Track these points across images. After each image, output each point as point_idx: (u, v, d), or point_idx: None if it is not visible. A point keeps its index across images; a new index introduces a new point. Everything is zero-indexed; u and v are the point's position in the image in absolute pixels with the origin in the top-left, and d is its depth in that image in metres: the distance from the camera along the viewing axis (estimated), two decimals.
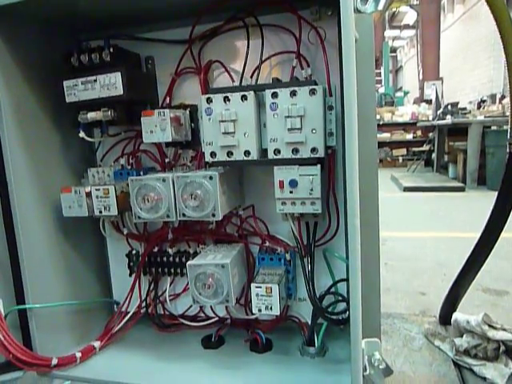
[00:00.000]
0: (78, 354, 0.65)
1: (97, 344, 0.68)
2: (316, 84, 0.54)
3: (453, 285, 1.50)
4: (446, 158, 5.89)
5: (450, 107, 5.74)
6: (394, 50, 14.62)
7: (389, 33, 12.97)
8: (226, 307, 0.71)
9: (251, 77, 0.63)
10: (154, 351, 0.69)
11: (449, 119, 5.27)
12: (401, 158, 8.00)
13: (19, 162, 0.63)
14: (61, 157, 0.72)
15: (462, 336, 1.33)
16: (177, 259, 0.71)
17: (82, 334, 0.72)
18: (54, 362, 0.63)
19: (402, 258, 2.66)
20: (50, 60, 0.67)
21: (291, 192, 0.55)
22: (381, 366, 0.49)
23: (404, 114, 8.38)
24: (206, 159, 0.58)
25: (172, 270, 0.71)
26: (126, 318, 0.73)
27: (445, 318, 1.49)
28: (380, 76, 11.84)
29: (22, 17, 0.62)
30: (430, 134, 6.57)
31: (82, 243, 0.76)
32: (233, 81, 0.65)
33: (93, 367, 0.66)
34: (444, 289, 1.62)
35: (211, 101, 0.56)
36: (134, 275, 0.74)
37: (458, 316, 1.41)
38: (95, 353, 0.68)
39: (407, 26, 12.34)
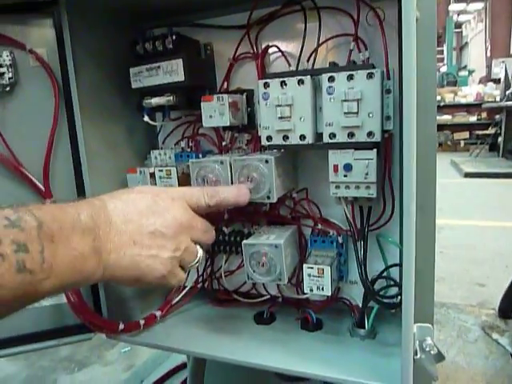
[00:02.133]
0: (142, 322, 0.71)
1: (158, 313, 0.74)
2: (374, 67, 0.53)
3: None
4: None
5: None
6: (458, 25, 13.61)
7: (454, 7, 12.07)
8: (278, 286, 0.74)
9: (307, 61, 0.63)
10: (209, 323, 0.73)
11: None
12: (462, 142, 7.54)
13: (91, 143, 0.69)
14: (127, 139, 0.77)
15: None
16: (232, 238, 0.74)
17: (145, 304, 0.78)
18: (121, 326, 0.69)
19: (459, 246, 2.55)
20: (118, 48, 0.71)
21: (345, 176, 0.55)
22: (432, 352, 0.49)
23: (468, 94, 7.84)
24: (262, 143, 0.60)
25: (227, 248, 0.74)
26: (184, 291, 0.78)
27: (505, 311, 1.43)
28: (442, 54, 11.12)
29: (94, 8, 0.67)
30: (497, 117, 6.11)
31: None
32: (289, 65, 0.66)
33: (154, 334, 0.72)
34: (505, 280, 1.54)
35: (268, 85, 0.58)
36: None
37: None
38: (156, 321, 0.74)
39: None
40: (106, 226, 0.43)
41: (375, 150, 0.54)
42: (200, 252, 0.52)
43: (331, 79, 0.54)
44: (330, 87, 0.54)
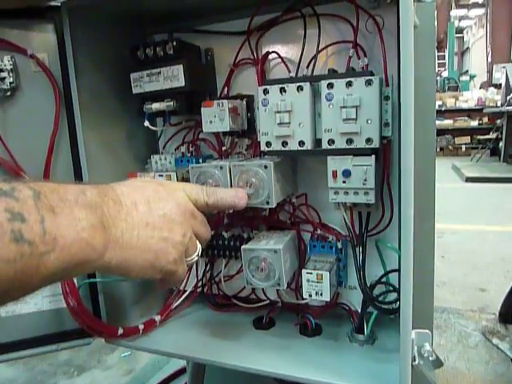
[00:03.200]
0: (141, 326, 0.71)
1: (157, 318, 0.74)
2: (372, 74, 0.54)
3: None
4: None
5: None
6: (460, 30, 13.64)
7: (455, 12, 12.11)
8: (278, 291, 0.74)
9: (307, 67, 0.64)
10: (208, 328, 0.73)
11: None
12: (464, 147, 7.54)
13: (92, 148, 0.69)
14: (127, 144, 0.78)
15: None
16: (231, 243, 0.74)
17: (145, 308, 0.78)
18: (120, 331, 0.69)
19: (461, 251, 2.55)
20: (119, 54, 0.72)
21: (344, 182, 0.56)
22: (431, 358, 0.49)
23: (469, 99, 7.84)
24: (262, 148, 0.60)
25: (227, 253, 0.75)
26: (184, 296, 0.78)
27: (505, 316, 1.43)
28: (444, 59, 11.13)
29: (96, 14, 0.67)
30: (498, 121, 6.11)
31: None
32: (289, 71, 0.67)
33: (153, 339, 0.72)
34: (506, 285, 1.54)
35: (267, 92, 0.58)
36: None
37: None
38: (155, 326, 0.74)
39: (476, 5, 11.44)
40: (114, 204, 0.40)
41: (374, 156, 0.54)
42: (199, 246, 0.51)
43: (330, 86, 0.54)
44: (328, 94, 0.54)
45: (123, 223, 0.40)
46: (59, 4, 0.64)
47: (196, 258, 0.50)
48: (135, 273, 0.43)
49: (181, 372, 1.44)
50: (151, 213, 0.44)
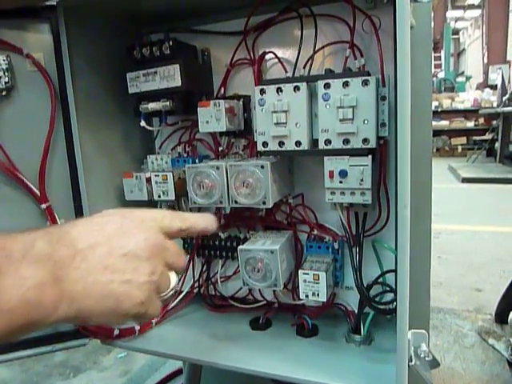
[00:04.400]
0: (137, 327, 0.71)
1: (153, 319, 0.74)
2: (369, 74, 0.54)
3: (511, 282, 1.43)
4: (510, 147, 5.49)
5: None
6: (456, 31, 13.70)
7: (451, 13, 12.16)
8: (274, 292, 0.74)
9: (304, 67, 0.64)
10: (205, 329, 0.73)
11: None
12: (460, 147, 7.56)
13: (87, 148, 0.69)
14: (123, 144, 0.78)
15: None
16: (228, 243, 0.74)
17: None
18: (116, 332, 0.69)
19: (457, 251, 2.56)
20: (116, 53, 0.71)
21: (341, 182, 0.56)
22: (427, 358, 0.49)
23: (465, 100, 7.87)
24: (258, 148, 0.60)
25: (223, 254, 0.74)
26: (180, 297, 0.78)
27: (501, 316, 1.43)
28: (440, 60, 11.17)
29: (92, 14, 0.67)
30: (494, 122, 6.14)
31: None
32: (286, 71, 0.67)
33: (149, 340, 0.71)
34: (502, 286, 1.54)
35: (264, 92, 0.58)
36: (188, 257, 0.79)
37: None
38: (152, 327, 0.74)
39: (472, 6, 11.49)
40: (67, 251, 0.36)
41: (370, 156, 0.54)
42: (173, 280, 0.46)
43: (327, 86, 0.54)
44: (325, 94, 0.54)
45: (77, 272, 0.37)
46: (55, 3, 0.64)
47: (171, 293, 0.46)
48: (95, 321, 0.40)
49: (177, 373, 1.43)
50: (111, 253, 0.39)
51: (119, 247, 0.40)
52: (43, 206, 0.70)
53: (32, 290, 0.33)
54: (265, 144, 0.59)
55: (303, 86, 0.56)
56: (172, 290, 0.46)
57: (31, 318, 0.33)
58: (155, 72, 0.68)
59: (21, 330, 0.33)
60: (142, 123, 0.72)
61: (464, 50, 14.00)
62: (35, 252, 0.34)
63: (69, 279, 0.36)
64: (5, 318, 0.31)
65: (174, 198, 0.67)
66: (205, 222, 0.51)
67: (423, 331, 0.49)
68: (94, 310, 0.38)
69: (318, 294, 0.61)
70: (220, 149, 0.74)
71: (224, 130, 0.64)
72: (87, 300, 0.37)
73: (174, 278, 0.46)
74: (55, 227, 0.40)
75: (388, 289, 0.65)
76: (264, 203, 0.60)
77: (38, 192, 0.70)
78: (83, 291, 0.37)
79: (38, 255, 0.34)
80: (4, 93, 0.67)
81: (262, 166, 0.59)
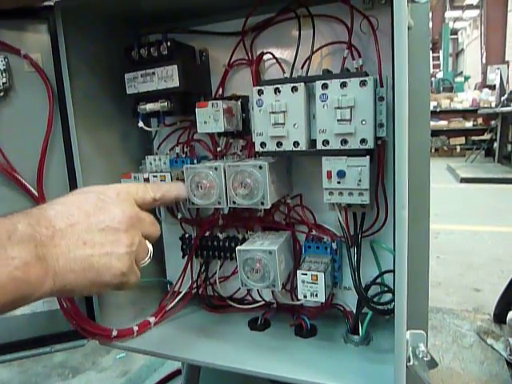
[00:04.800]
0: (135, 328, 0.71)
1: (152, 320, 0.74)
2: (367, 75, 0.54)
3: (510, 282, 1.43)
4: (509, 147, 5.51)
5: None
6: (454, 31, 13.71)
7: (449, 14, 12.18)
8: (273, 292, 0.74)
9: (302, 68, 0.64)
10: (203, 330, 0.73)
11: None
12: (458, 148, 7.58)
13: (85, 148, 0.69)
14: (121, 144, 0.78)
15: None
16: (226, 244, 0.74)
17: (139, 310, 0.78)
18: (114, 333, 0.69)
19: (456, 251, 2.56)
20: (113, 54, 0.71)
21: (339, 182, 0.56)
22: (425, 358, 0.49)
23: (464, 100, 7.88)
24: (256, 149, 0.60)
25: (222, 254, 0.74)
26: (179, 298, 0.78)
27: (500, 316, 1.43)
28: (438, 60, 11.18)
29: (90, 14, 0.67)
30: (493, 122, 6.15)
31: None
32: (283, 72, 0.67)
33: (148, 340, 0.71)
34: (500, 286, 1.55)
35: (262, 92, 0.58)
36: (186, 257, 0.79)
37: None
38: (150, 327, 0.74)
39: (470, 6, 11.51)
40: (47, 231, 0.39)
41: (368, 156, 0.54)
42: (150, 247, 0.49)
43: (324, 86, 0.54)
44: (323, 94, 0.54)
45: (57, 249, 0.39)
46: (52, 4, 0.64)
47: (148, 260, 0.49)
48: (79, 293, 0.42)
49: (176, 373, 1.43)
50: (90, 228, 0.42)
51: (97, 222, 0.42)
52: None
53: (19, 269, 0.35)
54: (263, 144, 0.59)
55: (301, 86, 0.56)
56: (149, 258, 0.49)
57: (20, 293, 0.36)
58: (153, 73, 0.68)
59: (12, 304, 0.36)
60: (140, 124, 0.72)
61: (462, 50, 14.03)
62: (18, 234, 0.37)
63: (51, 256, 0.38)
64: None
65: None
66: (176, 189, 0.54)
67: (421, 331, 0.50)
68: (77, 283, 0.41)
69: (316, 295, 0.61)
70: (218, 149, 0.74)
71: (222, 130, 0.64)
72: (70, 274, 0.40)
73: (150, 247, 0.49)
74: (35, 208, 0.42)
75: (386, 289, 0.65)
76: (262, 204, 0.60)
77: (35, 193, 0.70)
78: (65, 266, 0.39)
79: (21, 237, 0.37)
80: (1, 94, 0.67)
81: (260, 167, 0.59)
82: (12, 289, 0.35)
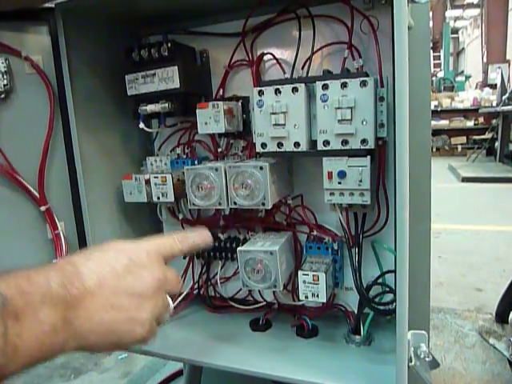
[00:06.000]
0: None
1: None
2: (367, 75, 0.54)
3: None
4: (510, 146, 5.49)
5: None
6: (455, 30, 13.69)
7: (450, 13, 12.16)
8: (274, 292, 0.74)
9: (302, 68, 0.64)
10: (205, 330, 0.73)
11: None
12: (460, 147, 7.56)
13: (86, 150, 0.69)
14: (122, 146, 0.78)
15: None
16: (227, 244, 0.74)
17: None
18: None
19: (458, 251, 2.55)
20: (114, 55, 0.71)
21: (340, 183, 0.56)
22: (427, 359, 0.49)
23: (465, 99, 7.86)
24: (257, 150, 0.60)
25: (223, 255, 0.74)
26: (180, 298, 0.78)
27: (502, 315, 1.43)
28: (439, 59, 11.16)
29: (90, 16, 0.67)
30: (494, 121, 6.14)
31: (141, 227, 0.81)
32: (284, 72, 0.66)
33: (150, 341, 0.71)
34: (502, 285, 1.54)
35: (263, 93, 0.58)
36: (187, 258, 0.79)
37: None
38: None
39: (471, 5, 11.49)
40: (78, 292, 0.40)
41: (369, 157, 0.54)
42: (171, 304, 0.51)
43: (325, 87, 0.54)
44: (323, 95, 0.54)
45: (85, 312, 0.40)
46: (53, 6, 0.64)
47: (168, 317, 0.50)
48: (95, 351, 0.43)
49: (177, 374, 1.43)
50: (118, 292, 0.43)
51: (125, 286, 0.43)
52: (42, 208, 0.70)
53: (46, 334, 0.36)
54: (263, 145, 0.59)
55: (301, 87, 0.56)
56: (170, 314, 0.50)
57: (43, 356, 0.37)
58: (154, 74, 0.68)
59: (32, 366, 0.37)
60: (141, 125, 0.72)
61: (463, 49, 14.00)
62: (51, 295, 0.37)
63: (78, 319, 0.39)
64: (22, 360, 0.35)
65: (173, 199, 0.67)
66: (203, 239, 0.55)
67: (423, 332, 0.49)
68: (96, 344, 0.42)
69: (317, 295, 0.61)
70: (219, 150, 0.74)
71: (223, 131, 0.64)
72: (92, 336, 0.41)
73: (171, 302, 0.50)
74: (68, 264, 0.42)
75: (388, 289, 0.65)
76: (263, 204, 0.60)
77: (37, 194, 0.70)
78: (90, 329, 0.40)
79: (53, 300, 0.37)
80: (3, 95, 0.67)
81: (261, 167, 0.59)
82: (36, 352, 0.36)
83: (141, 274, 0.45)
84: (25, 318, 0.35)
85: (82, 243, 0.71)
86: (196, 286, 0.79)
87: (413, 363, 0.48)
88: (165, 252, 0.50)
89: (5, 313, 0.34)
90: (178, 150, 0.77)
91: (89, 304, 0.40)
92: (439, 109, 7.70)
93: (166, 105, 0.68)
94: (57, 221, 0.71)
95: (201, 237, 0.56)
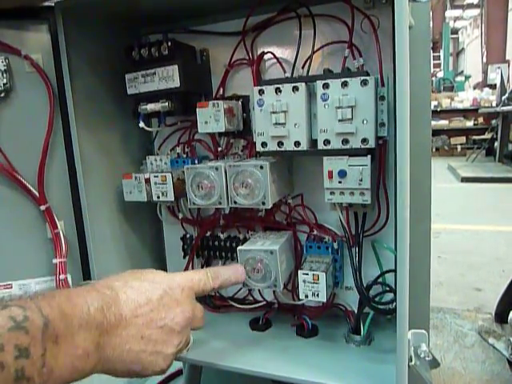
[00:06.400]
0: None
1: None
2: (368, 74, 0.53)
3: (511, 281, 1.42)
4: (510, 146, 5.49)
5: None
6: (455, 31, 13.70)
7: (450, 13, 12.17)
8: (274, 292, 0.74)
9: (303, 67, 0.64)
10: (205, 329, 0.72)
11: None
12: (459, 147, 7.57)
13: (86, 149, 0.69)
14: (122, 145, 0.78)
15: None
16: (227, 244, 0.74)
17: None
18: None
19: (457, 251, 2.56)
20: (114, 54, 0.71)
21: (340, 182, 0.55)
22: (427, 358, 0.49)
23: (464, 99, 7.88)
24: (257, 149, 0.60)
25: (223, 254, 0.74)
26: None
27: (501, 315, 1.43)
28: (439, 59, 11.18)
29: (90, 14, 0.67)
30: (493, 121, 6.15)
31: (141, 226, 0.81)
32: (284, 71, 0.66)
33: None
34: (501, 285, 1.54)
35: (263, 92, 0.58)
36: (187, 257, 0.78)
37: None
38: None
39: (471, 5, 11.50)
40: (115, 320, 0.42)
41: (369, 156, 0.54)
42: (191, 340, 0.52)
43: (325, 86, 0.54)
44: (324, 94, 0.54)
45: (118, 339, 0.42)
46: (53, 4, 0.64)
47: (186, 352, 0.52)
48: (118, 376, 0.44)
49: (177, 374, 1.43)
50: (150, 324, 0.44)
51: (158, 319, 0.45)
52: (42, 207, 0.70)
53: (80, 359, 0.38)
54: (264, 144, 0.59)
55: (302, 86, 0.56)
56: (188, 350, 0.52)
57: (72, 379, 0.38)
58: (154, 73, 0.67)
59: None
60: (141, 124, 0.72)
61: (463, 49, 14.01)
62: (89, 319, 0.39)
63: (109, 346, 0.41)
64: (55, 380, 0.36)
65: (173, 198, 0.67)
66: (235, 277, 0.57)
67: (423, 331, 0.49)
68: (121, 371, 0.44)
69: (317, 295, 0.61)
70: (219, 149, 0.74)
71: (223, 130, 0.64)
72: (118, 364, 0.42)
73: (191, 338, 0.52)
74: (107, 286, 0.44)
75: (388, 289, 0.65)
76: (263, 203, 0.60)
77: (37, 193, 0.70)
78: (118, 357, 0.42)
79: (90, 324, 0.39)
80: (2, 94, 0.67)
81: (261, 167, 0.59)
82: (67, 375, 0.37)
83: (173, 308, 0.47)
84: (63, 341, 0.36)
85: (82, 242, 0.71)
86: None
87: (413, 363, 0.48)
88: (197, 289, 0.51)
89: (46, 336, 0.35)
90: (178, 149, 0.76)
91: (122, 332, 0.42)
92: (439, 109, 7.70)
93: (166, 104, 0.68)
94: (56, 220, 0.71)
95: (234, 274, 0.58)
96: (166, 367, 0.47)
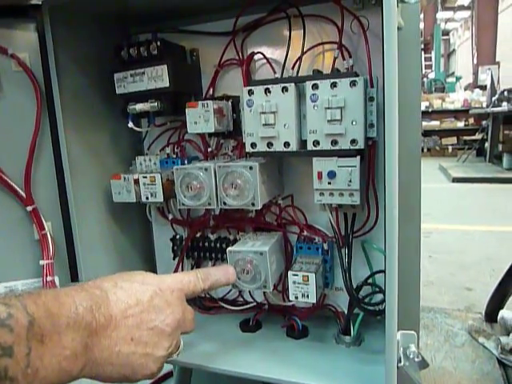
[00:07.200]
0: None
1: None
2: (357, 75, 0.53)
3: (501, 281, 1.44)
4: (500, 147, 5.55)
5: (506, 93, 5.39)
6: (446, 32, 13.83)
7: (441, 14, 12.28)
8: (264, 293, 0.73)
9: (292, 68, 0.64)
10: (195, 331, 0.71)
11: (505, 106, 4.96)
12: (450, 148, 7.65)
13: (74, 149, 0.68)
14: (111, 145, 0.77)
15: (508, 334, 1.28)
16: (217, 245, 0.73)
17: None
18: None
19: (448, 251, 2.58)
20: (103, 53, 0.70)
21: (329, 183, 0.55)
22: (416, 359, 0.49)
23: (455, 100, 7.95)
24: (247, 150, 0.60)
25: (213, 255, 0.74)
26: None
27: (491, 315, 1.44)
28: (430, 61, 11.27)
29: (79, 13, 0.66)
30: (484, 122, 6.21)
31: (130, 227, 0.81)
32: (274, 72, 0.66)
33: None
34: (492, 285, 1.56)
35: (252, 93, 0.57)
36: (177, 259, 0.78)
37: (505, 313, 1.36)
38: None
39: (461, 7, 11.61)
40: (104, 320, 0.40)
41: (358, 157, 0.54)
42: (181, 344, 0.52)
43: (315, 87, 0.54)
44: (313, 95, 0.54)
45: (107, 340, 0.41)
46: (40, 3, 0.63)
47: (175, 357, 0.51)
48: (106, 382, 0.43)
49: (167, 376, 1.42)
50: (140, 325, 0.43)
51: (148, 320, 0.44)
52: (29, 208, 0.69)
53: (67, 360, 0.37)
54: (253, 145, 0.59)
55: (291, 86, 0.55)
56: (178, 354, 0.51)
57: (59, 381, 0.37)
58: (143, 72, 0.67)
59: None
60: (130, 124, 0.71)
61: (454, 50, 14.15)
62: (78, 319, 0.38)
63: (98, 347, 0.40)
64: (41, 382, 0.35)
65: (162, 199, 0.67)
66: (225, 277, 0.57)
67: (412, 332, 0.50)
68: (110, 375, 0.42)
69: (307, 296, 0.61)
70: (209, 150, 0.73)
71: (212, 130, 0.63)
72: (108, 366, 0.41)
73: (181, 342, 0.51)
74: (97, 287, 0.43)
75: (377, 289, 0.65)
76: (253, 204, 0.60)
77: (23, 194, 0.69)
78: (107, 359, 0.41)
79: (79, 324, 0.38)
80: None
81: (251, 167, 0.58)
82: (54, 376, 0.36)
83: (163, 309, 0.46)
84: (49, 340, 0.35)
85: (70, 244, 0.70)
86: None
87: (402, 363, 0.48)
88: (188, 291, 0.51)
89: (31, 334, 0.34)
90: (168, 150, 0.76)
91: (111, 333, 0.41)
92: (430, 110, 7.76)
93: (156, 104, 0.68)
94: (44, 221, 0.70)
95: (225, 275, 0.57)
96: (157, 370, 0.46)
